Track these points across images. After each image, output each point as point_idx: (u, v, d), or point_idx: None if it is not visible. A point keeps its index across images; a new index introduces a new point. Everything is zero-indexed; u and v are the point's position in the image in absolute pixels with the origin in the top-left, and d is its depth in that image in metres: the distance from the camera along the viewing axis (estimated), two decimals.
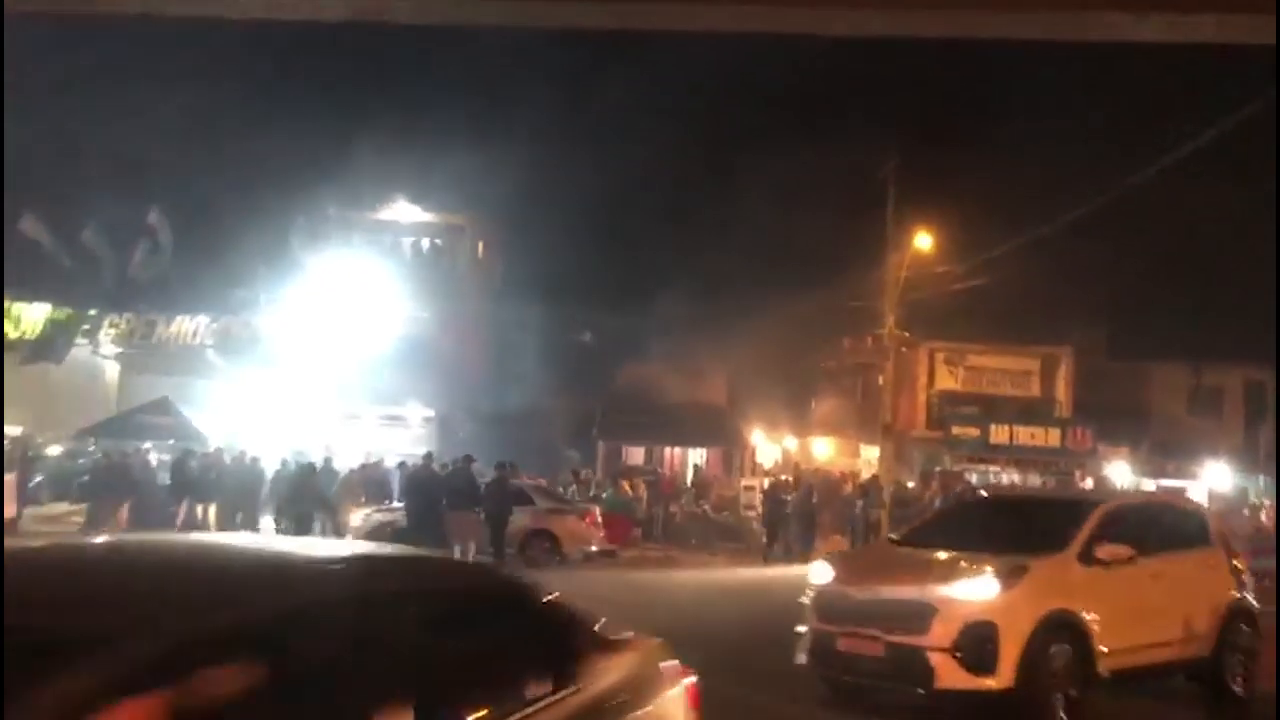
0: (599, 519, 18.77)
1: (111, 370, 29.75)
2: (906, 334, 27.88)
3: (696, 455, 34.67)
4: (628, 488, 23.27)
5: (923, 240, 26.11)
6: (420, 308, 32.25)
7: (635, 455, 35.03)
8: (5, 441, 20.18)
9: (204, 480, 20.06)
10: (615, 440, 33.05)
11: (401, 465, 20.44)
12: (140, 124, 29.73)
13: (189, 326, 29.68)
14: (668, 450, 34.62)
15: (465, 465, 17.54)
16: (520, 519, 17.74)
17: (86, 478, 20.62)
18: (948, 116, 37.93)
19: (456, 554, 16.87)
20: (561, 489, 22.26)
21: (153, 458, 22.95)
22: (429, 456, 17.75)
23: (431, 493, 16.75)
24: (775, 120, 51.19)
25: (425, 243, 33.91)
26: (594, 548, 18.18)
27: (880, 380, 28.14)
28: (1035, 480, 28.61)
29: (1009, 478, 28.78)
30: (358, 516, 18.44)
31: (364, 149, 32.15)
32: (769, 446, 37.48)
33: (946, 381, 30.33)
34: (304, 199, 31.57)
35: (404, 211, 32.84)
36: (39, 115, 24.83)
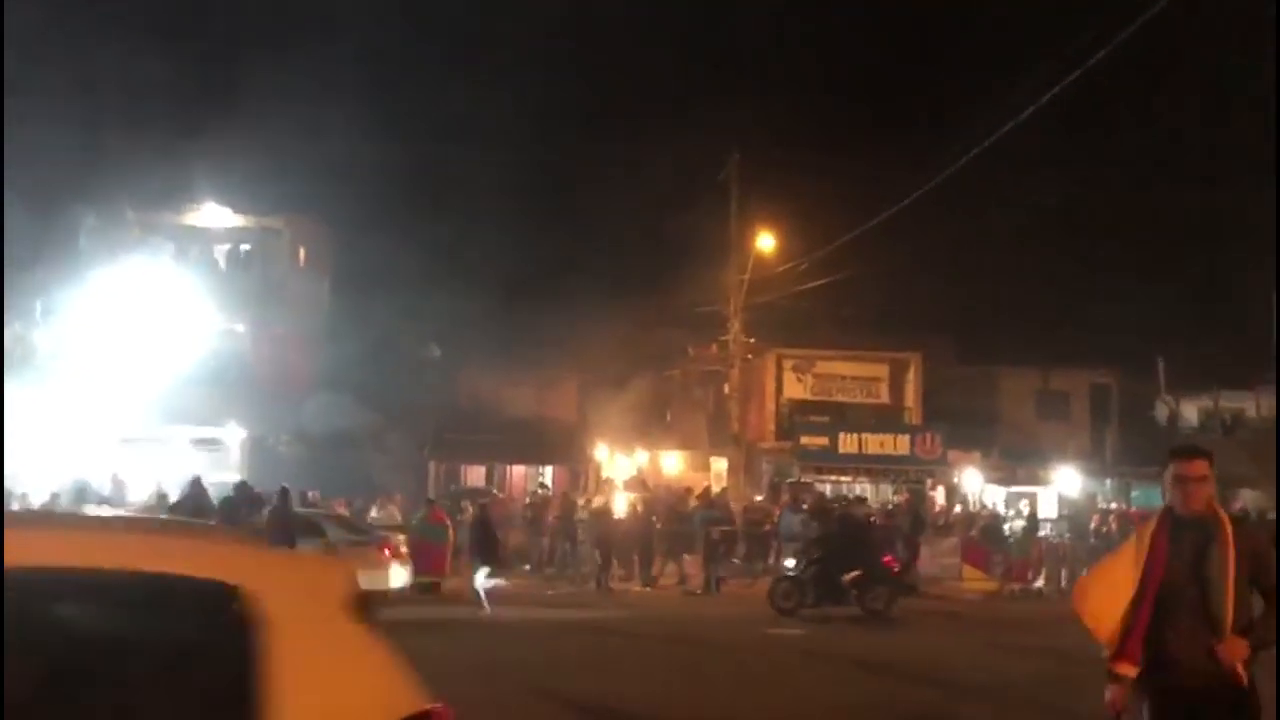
0: (401, 549, 16.58)
1: None
2: (752, 340, 26.62)
3: (541, 474, 32.81)
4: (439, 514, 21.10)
5: (765, 241, 24.94)
6: (233, 319, 29.50)
7: (476, 475, 32.93)
8: None
9: None
10: (450, 460, 30.84)
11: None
12: None
13: None
14: (510, 469, 32.57)
15: (243, 494, 15.27)
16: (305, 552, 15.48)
17: None
18: (791, 108, 37.01)
19: None
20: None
21: None
22: (196, 483, 15.34)
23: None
24: (622, 117, 49.84)
25: (240, 249, 31.08)
26: (396, 584, 16.02)
27: (726, 389, 26.79)
28: (886, 490, 27.73)
29: (860, 488, 27.76)
30: None
31: (167, 144, 29.36)
32: (622, 462, 35.86)
33: (795, 389, 29.20)
34: (97, 198, 28.50)
35: (213, 214, 30.02)
36: None
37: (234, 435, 28.68)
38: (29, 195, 27.12)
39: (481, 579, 15.47)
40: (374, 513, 20.41)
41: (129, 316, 26.06)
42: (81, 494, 19.80)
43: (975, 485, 28.57)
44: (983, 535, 20.85)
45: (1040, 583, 20.94)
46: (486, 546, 15.64)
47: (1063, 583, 21.27)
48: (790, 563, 16.53)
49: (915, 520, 21.10)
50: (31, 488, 20.36)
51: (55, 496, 19.04)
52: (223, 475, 22.98)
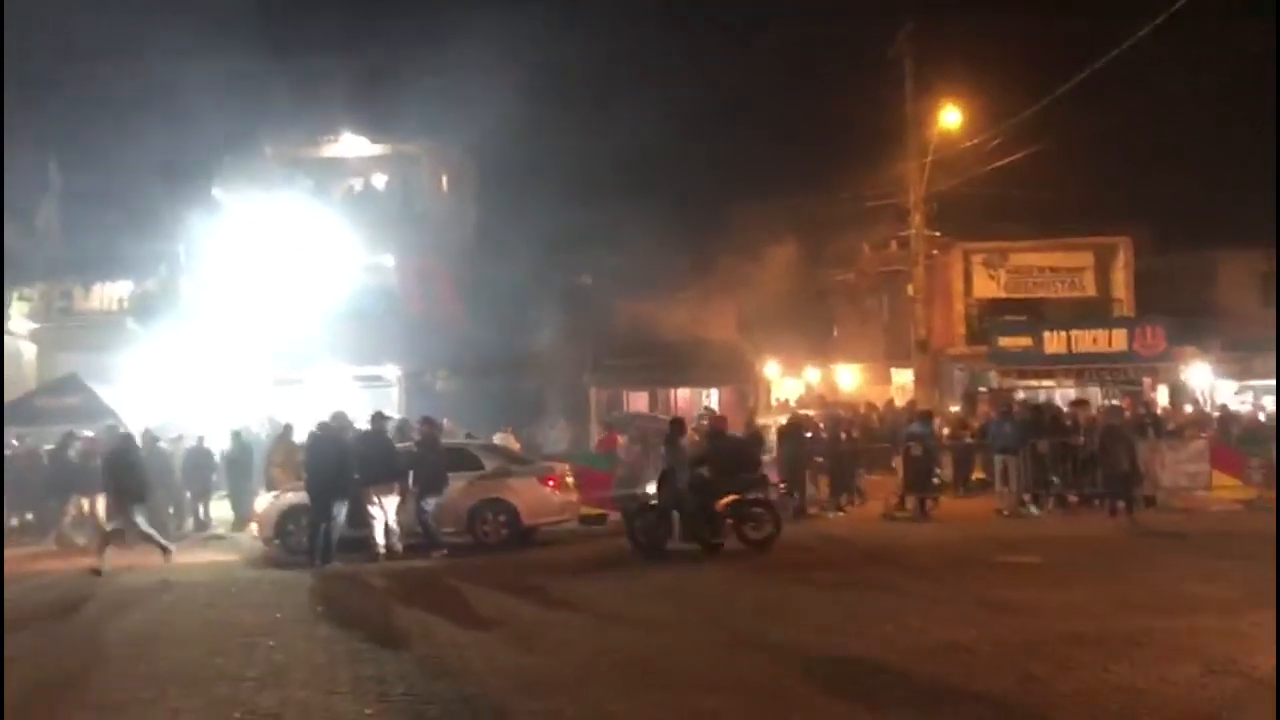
0: (566, 479, 14.80)
1: (29, 351, 26.01)
2: (937, 234, 23.68)
3: (707, 397, 30.85)
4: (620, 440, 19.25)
5: (950, 116, 21.85)
6: (377, 253, 28.31)
7: (638, 401, 31.22)
8: None
9: (86, 469, 16.30)
10: (611, 386, 29.15)
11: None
12: (31, 49, 25.77)
13: (110, 293, 25.96)
14: (673, 393, 30.68)
15: (379, 426, 13.68)
16: (463, 487, 13.88)
17: None
18: None
19: (378, 536, 13.11)
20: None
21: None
22: (340, 417, 13.84)
23: (339, 463, 12.89)
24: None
25: (379, 179, 29.80)
26: (564, 518, 14.28)
27: (910, 290, 23.98)
28: (1095, 393, 24.56)
29: (1062, 393, 24.67)
30: (264, 499, 14.62)
31: (300, 73, 28.14)
32: (789, 382, 33.55)
33: (987, 287, 26.09)
34: (233, 135, 27.63)
35: (351, 145, 28.80)
36: None
37: (391, 372, 27.65)
38: (167, 139, 26.44)
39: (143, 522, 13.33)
40: (495, 440, 18.80)
41: (273, 255, 25.13)
42: (236, 437, 18.95)
43: (1203, 382, 25.06)
44: (1242, 437, 17.72)
45: None
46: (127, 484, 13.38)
47: None
48: (651, 489, 13.63)
49: (1155, 423, 18.10)
50: (186, 431, 19.54)
51: (201, 439, 18.02)
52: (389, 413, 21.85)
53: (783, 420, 18.72)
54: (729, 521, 13.06)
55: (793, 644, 7.97)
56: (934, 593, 10.10)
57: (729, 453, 13.64)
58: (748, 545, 12.96)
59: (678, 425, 13.75)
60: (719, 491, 13.03)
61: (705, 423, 16.46)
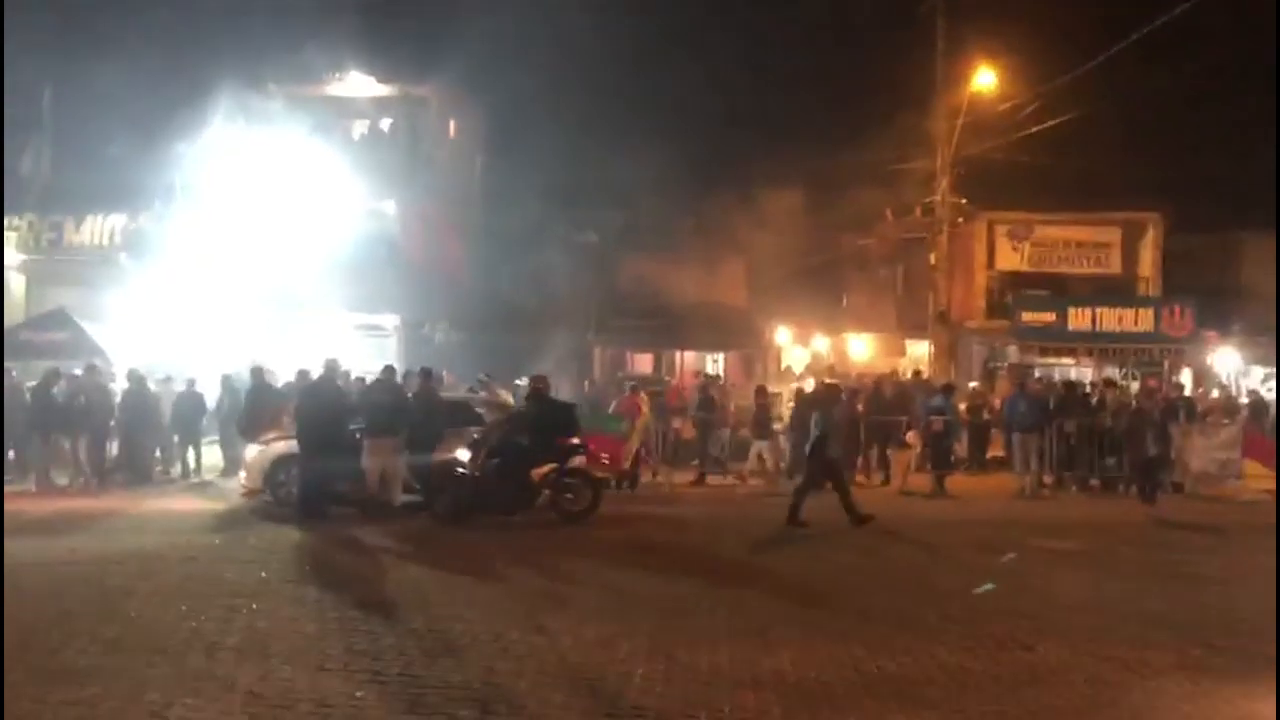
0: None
1: (18, 283, 25.15)
2: (964, 201, 22.78)
3: (714, 361, 30.11)
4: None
5: (984, 78, 20.89)
6: (379, 198, 27.34)
7: (642, 363, 30.48)
8: None
9: (70, 408, 15.54)
10: (616, 346, 28.37)
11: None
12: None
13: (102, 227, 25.05)
14: (679, 355, 29.91)
15: (387, 377, 12.89)
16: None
17: None
18: None
19: (375, 491, 12.39)
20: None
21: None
22: (333, 365, 13.05)
23: (336, 414, 12.13)
24: None
25: (384, 122, 28.77)
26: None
27: (932, 259, 23.12)
28: (1115, 373, 23.80)
29: (1078, 372, 23.91)
30: (253, 448, 13.83)
31: (307, 7, 27.10)
32: (797, 349, 32.76)
33: (1009, 260, 25.18)
34: (235, 71, 26.58)
35: (357, 84, 27.74)
36: None
37: (389, 321, 26.83)
38: (170, 73, 25.51)
39: None
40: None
41: (272, 195, 24.22)
42: (227, 381, 18.15)
43: (1230, 366, 24.30)
44: (1275, 424, 17.01)
45: None
46: None
47: None
48: (463, 454, 12.41)
49: (1187, 407, 17.38)
50: (176, 374, 18.73)
51: (191, 382, 17.26)
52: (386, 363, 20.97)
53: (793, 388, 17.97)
54: (546, 492, 12.19)
55: (837, 633, 7.25)
56: (974, 579, 9.38)
57: (548, 418, 12.49)
58: (563, 517, 12.12)
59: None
60: (536, 460, 12.10)
61: (524, 385, 15.26)
